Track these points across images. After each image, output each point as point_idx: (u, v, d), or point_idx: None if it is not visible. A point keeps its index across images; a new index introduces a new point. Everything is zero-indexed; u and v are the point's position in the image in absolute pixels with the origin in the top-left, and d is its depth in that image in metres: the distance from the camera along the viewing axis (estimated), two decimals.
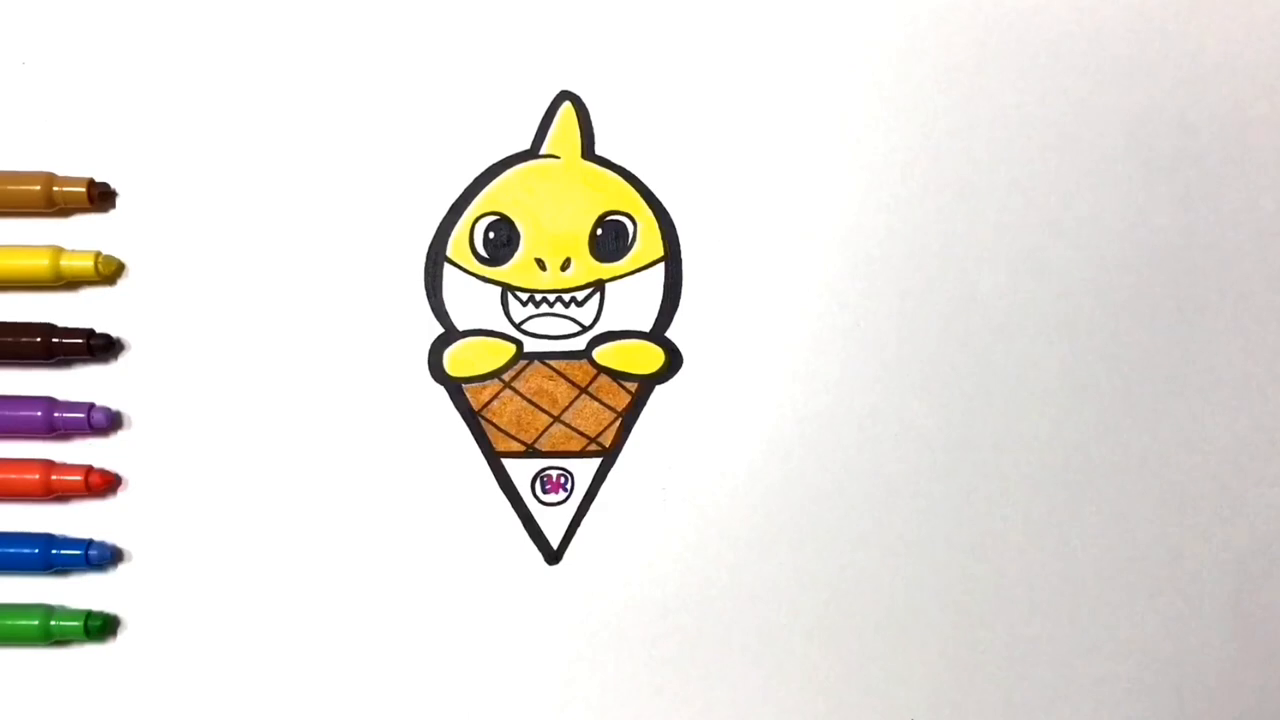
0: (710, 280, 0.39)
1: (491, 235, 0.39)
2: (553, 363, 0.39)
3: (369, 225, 0.39)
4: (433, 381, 0.39)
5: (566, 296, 0.39)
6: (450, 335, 0.39)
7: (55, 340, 0.38)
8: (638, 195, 0.39)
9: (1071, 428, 0.38)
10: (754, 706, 0.38)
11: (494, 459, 0.39)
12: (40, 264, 0.38)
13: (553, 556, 0.39)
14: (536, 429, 0.39)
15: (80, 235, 0.39)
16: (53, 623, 0.38)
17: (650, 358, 0.39)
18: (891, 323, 0.38)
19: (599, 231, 0.39)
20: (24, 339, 0.38)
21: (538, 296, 0.39)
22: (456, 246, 0.39)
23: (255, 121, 0.39)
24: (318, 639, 0.38)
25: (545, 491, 0.39)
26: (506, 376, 0.39)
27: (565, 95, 0.39)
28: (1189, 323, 0.38)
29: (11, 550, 0.38)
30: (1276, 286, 0.38)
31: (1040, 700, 0.37)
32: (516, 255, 0.39)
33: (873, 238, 0.39)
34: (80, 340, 0.38)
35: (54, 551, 0.38)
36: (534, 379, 0.39)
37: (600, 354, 0.39)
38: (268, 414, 0.39)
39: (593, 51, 0.39)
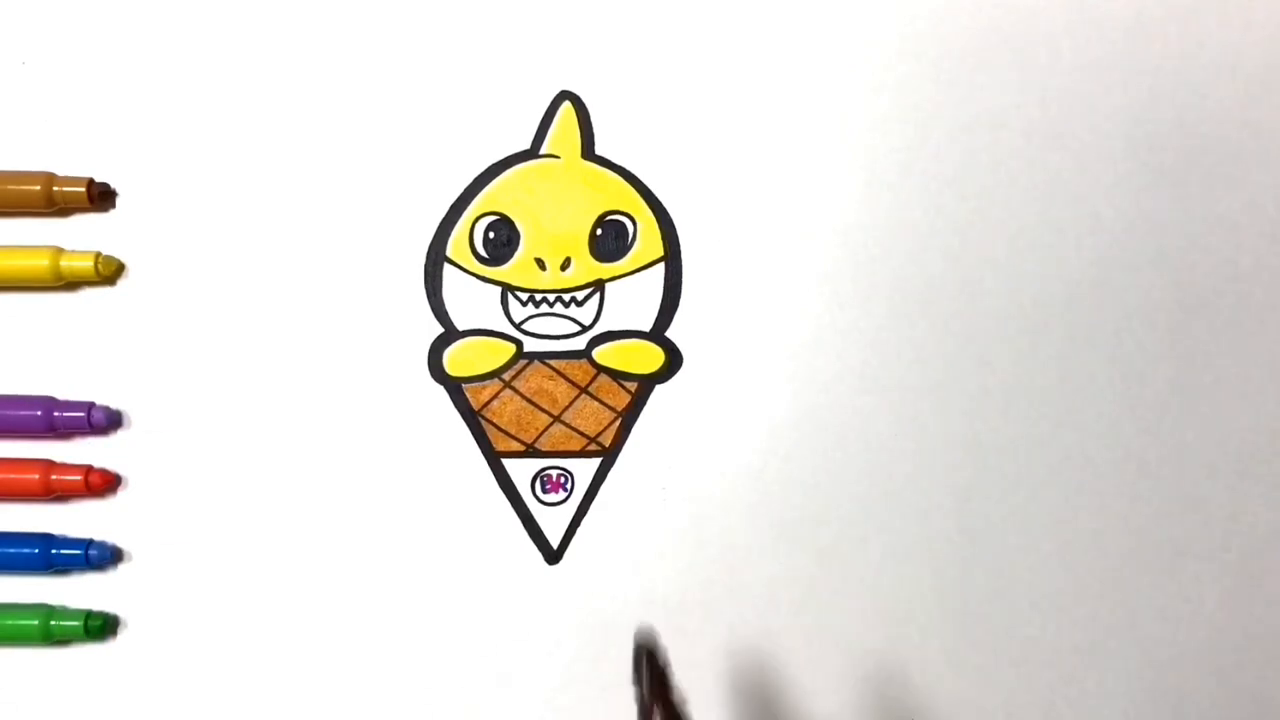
0: (710, 280, 0.39)
1: (491, 235, 0.39)
2: (553, 362, 0.39)
3: (369, 225, 0.39)
4: (433, 381, 0.39)
5: (566, 296, 0.39)
6: (450, 335, 0.39)
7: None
8: (638, 195, 0.39)
9: (1071, 427, 0.38)
10: (754, 706, 0.38)
11: (494, 459, 0.39)
12: (40, 264, 0.38)
13: (553, 556, 0.39)
14: (536, 429, 0.39)
15: (80, 235, 0.39)
16: (53, 623, 0.38)
17: (650, 357, 0.39)
18: (891, 322, 0.38)
19: (599, 231, 0.39)
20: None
21: (538, 296, 0.39)
22: (456, 246, 0.39)
23: (255, 122, 0.39)
24: (318, 639, 0.38)
25: (545, 491, 0.39)
26: (506, 376, 0.39)
27: (565, 95, 0.39)
28: (1189, 322, 0.38)
29: (11, 550, 0.38)
30: (1276, 286, 0.38)
31: (1040, 700, 0.37)
32: (516, 255, 0.39)
33: (872, 238, 0.39)
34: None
35: (54, 551, 0.38)
36: (534, 379, 0.39)
37: (600, 354, 0.39)
38: (268, 414, 0.39)
39: (593, 51, 0.39)
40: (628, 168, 0.39)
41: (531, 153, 0.39)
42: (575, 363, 0.39)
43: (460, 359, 0.39)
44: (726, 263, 0.39)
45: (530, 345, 0.39)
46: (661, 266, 0.39)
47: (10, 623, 0.38)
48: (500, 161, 0.39)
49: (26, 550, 0.38)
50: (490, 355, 0.39)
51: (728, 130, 0.39)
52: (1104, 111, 0.38)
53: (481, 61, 0.39)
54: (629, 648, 0.32)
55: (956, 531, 0.38)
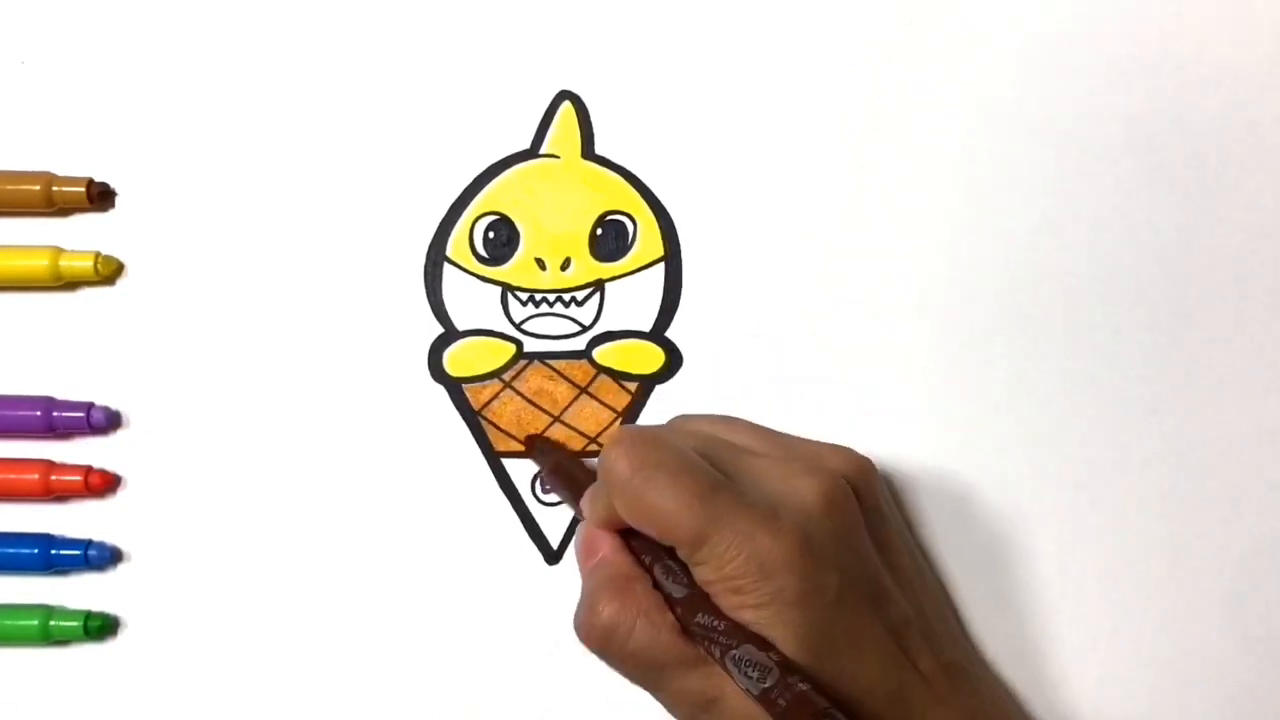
0: (710, 280, 0.39)
1: (491, 235, 0.39)
2: (553, 363, 0.39)
3: (369, 225, 0.39)
4: (433, 381, 0.39)
5: (566, 296, 0.39)
6: (450, 335, 0.39)
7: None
8: (638, 195, 0.39)
9: (1071, 427, 0.38)
10: None
11: (494, 459, 0.39)
12: (40, 264, 0.38)
13: (553, 556, 0.39)
14: (536, 429, 0.39)
15: (80, 235, 0.39)
16: (52, 623, 0.38)
17: (650, 358, 0.39)
18: (890, 322, 0.38)
19: (599, 231, 0.39)
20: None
21: (538, 296, 0.39)
22: (456, 246, 0.39)
23: (255, 121, 0.39)
24: (318, 639, 0.38)
25: (545, 491, 0.39)
26: (506, 376, 0.39)
27: (565, 95, 0.39)
28: (1189, 322, 0.38)
29: (11, 550, 0.38)
30: (1276, 286, 0.38)
31: (1040, 700, 0.37)
32: (516, 255, 0.39)
33: (871, 237, 0.38)
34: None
35: (54, 551, 0.38)
36: (534, 379, 0.39)
37: (600, 354, 0.39)
38: (268, 414, 0.39)
39: (593, 51, 0.39)
40: (628, 167, 0.39)
41: (531, 153, 0.39)
42: (575, 363, 0.39)
43: (460, 359, 0.39)
44: (726, 263, 0.39)
45: (530, 345, 0.39)
46: (661, 266, 0.39)
47: (10, 623, 0.38)
48: (500, 161, 0.39)
49: (26, 550, 0.38)
50: (490, 355, 0.39)
51: (727, 130, 0.39)
52: (1104, 112, 0.38)
53: (481, 61, 0.39)
54: None
55: (955, 531, 0.38)
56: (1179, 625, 0.37)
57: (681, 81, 0.39)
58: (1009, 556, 0.38)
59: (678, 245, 0.39)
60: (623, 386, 0.39)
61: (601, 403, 0.39)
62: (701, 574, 0.30)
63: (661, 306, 0.39)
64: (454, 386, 0.39)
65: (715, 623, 0.29)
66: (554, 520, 0.39)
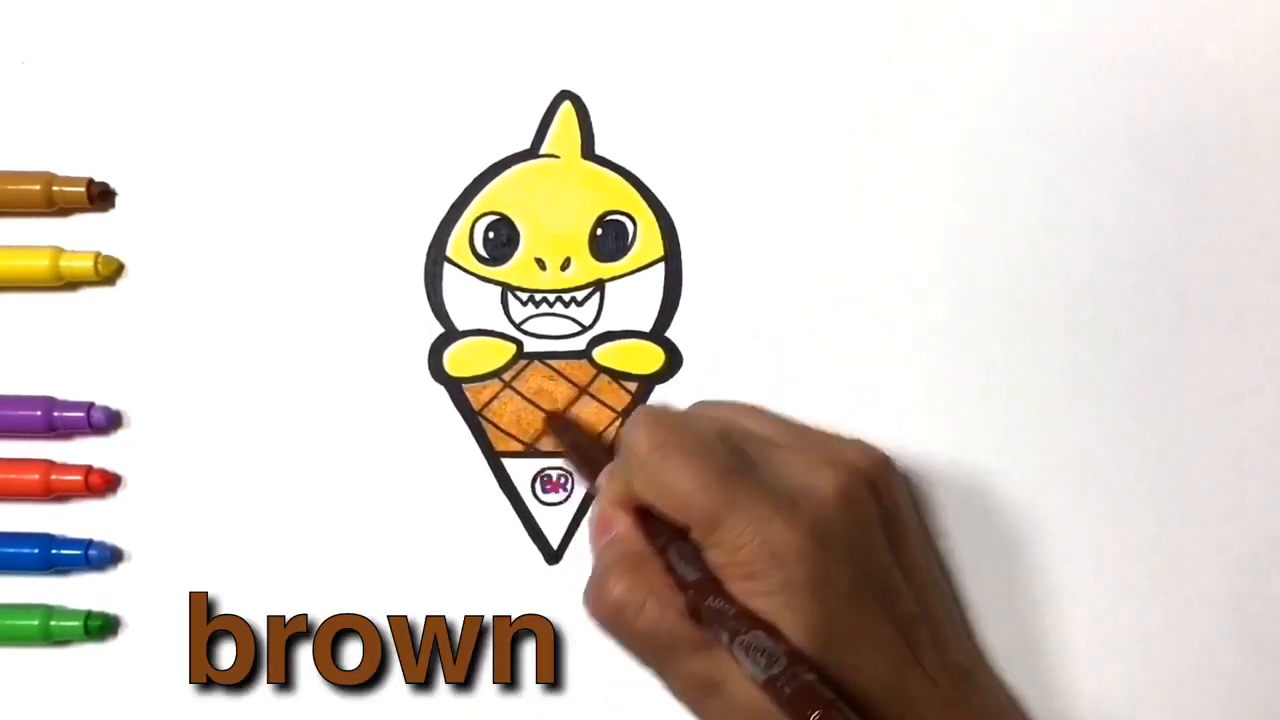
0: (710, 280, 0.39)
1: (491, 235, 0.39)
2: (553, 362, 0.39)
3: (369, 225, 0.39)
4: (433, 381, 0.39)
5: (566, 296, 0.39)
6: (450, 335, 0.39)
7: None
8: (638, 195, 0.39)
9: (1071, 427, 0.38)
10: None
11: (494, 459, 0.39)
12: (40, 264, 0.38)
13: (553, 556, 0.39)
14: (536, 429, 0.39)
15: (80, 235, 0.39)
16: (53, 623, 0.38)
17: (650, 358, 0.39)
18: (891, 322, 0.38)
19: (599, 231, 0.39)
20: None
21: (538, 296, 0.39)
22: (456, 246, 0.39)
23: (255, 121, 0.39)
24: (318, 639, 0.38)
25: (545, 491, 0.39)
26: (506, 376, 0.39)
27: (565, 95, 0.39)
28: (1189, 322, 0.38)
29: (11, 550, 0.38)
30: (1276, 286, 0.38)
31: (1040, 700, 0.37)
32: (516, 255, 0.39)
33: (871, 237, 0.38)
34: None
35: (54, 551, 0.38)
36: (534, 379, 0.39)
37: (600, 354, 0.39)
38: (268, 414, 0.39)
39: (593, 51, 0.39)
40: (628, 167, 0.39)
41: (531, 152, 0.39)
42: (575, 363, 0.39)
43: (460, 359, 0.39)
44: (726, 263, 0.39)
45: (530, 345, 0.39)
46: (661, 266, 0.39)
47: (10, 623, 0.38)
48: (500, 161, 0.39)
49: (26, 550, 0.38)
50: (490, 355, 0.39)
51: (727, 130, 0.39)
52: (1104, 112, 0.38)
53: (481, 61, 0.39)
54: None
55: (955, 531, 0.38)
56: (1179, 625, 0.37)
57: (681, 81, 0.39)
58: (1008, 556, 0.38)
59: (678, 245, 0.39)
60: (623, 386, 0.39)
61: (601, 403, 0.39)
62: (714, 557, 0.30)
63: (661, 306, 0.39)
64: (454, 386, 0.39)
65: (726, 607, 0.30)
66: (554, 520, 0.39)
